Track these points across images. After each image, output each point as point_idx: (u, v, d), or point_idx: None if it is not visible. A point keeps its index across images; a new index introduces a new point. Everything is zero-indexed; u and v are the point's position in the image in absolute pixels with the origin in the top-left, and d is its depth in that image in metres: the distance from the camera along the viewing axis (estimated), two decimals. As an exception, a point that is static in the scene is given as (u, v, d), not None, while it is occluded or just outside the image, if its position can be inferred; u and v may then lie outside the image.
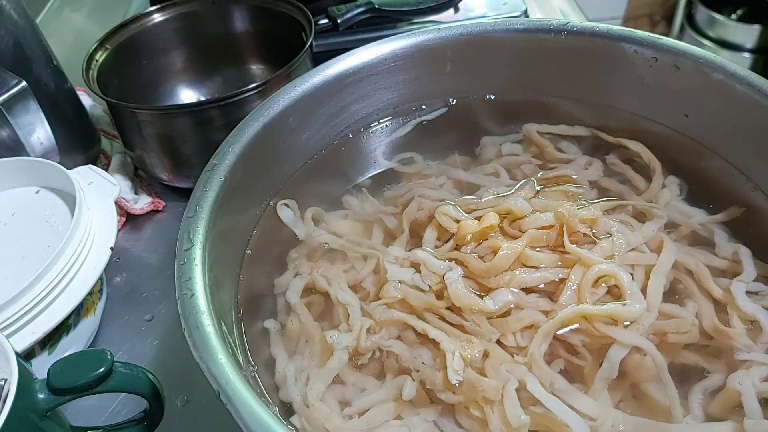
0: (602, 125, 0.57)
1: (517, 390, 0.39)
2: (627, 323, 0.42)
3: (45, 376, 0.39)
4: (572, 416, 0.38)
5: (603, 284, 0.44)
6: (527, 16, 0.84)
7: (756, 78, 0.47)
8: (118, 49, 0.70)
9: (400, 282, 0.46)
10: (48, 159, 0.57)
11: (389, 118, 0.60)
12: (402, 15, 0.81)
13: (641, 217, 0.50)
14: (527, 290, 0.45)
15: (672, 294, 0.45)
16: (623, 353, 0.41)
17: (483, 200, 0.51)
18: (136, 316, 0.60)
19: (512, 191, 0.52)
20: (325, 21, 0.77)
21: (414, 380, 0.42)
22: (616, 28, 0.54)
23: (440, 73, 0.59)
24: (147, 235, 0.68)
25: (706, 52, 0.50)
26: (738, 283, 0.44)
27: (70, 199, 0.56)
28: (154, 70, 0.76)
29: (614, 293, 0.44)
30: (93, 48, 0.68)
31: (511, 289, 0.44)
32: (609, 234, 0.47)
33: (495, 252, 0.45)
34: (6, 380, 0.38)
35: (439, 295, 0.45)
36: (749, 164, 0.50)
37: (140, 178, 0.74)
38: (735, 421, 0.38)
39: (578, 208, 0.47)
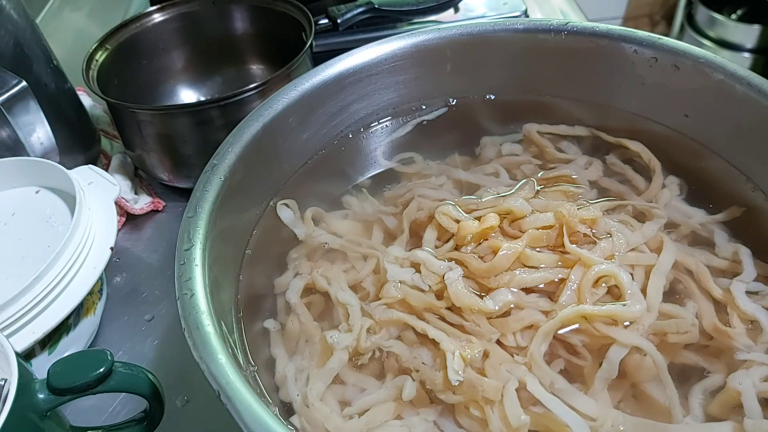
0: (602, 125, 0.57)
1: (517, 390, 0.39)
2: (627, 323, 0.42)
3: (45, 376, 0.39)
4: (572, 416, 0.38)
5: (603, 284, 0.44)
6: (527, 16, 0.84)
7: (756, 78, 0.48)
8: (118, 49, 0.70)
9: (400, 282, 0.46)
10: (48, 159, 0.57)
11: (389, 118, 0.60)
12: (402, 15, 0.81)
13: (641, 217, 0.50)
14: (527, 290, 0.45)
15: (672, 294, 0.45)
16: (623, 353, 0.41)
17: (483, 200, 0.51)
18: (136, 316, 0.60)
19: (512, 191, 0.52)
20: (325, 21, 0.77)
21: (414, 380, 0.42)
22: (616, 28, 0.54)
23: (440, 73, 0.59)
24: (147, 235, 0.68)
25: (706, 52, 0.50)
26: (738, 283, 0.44)
27: (70, 199, 0.56)
28: (154, 70, 0.76)
29: (614, 293, 0.44)
30: (93, 48, 0.68)
31: (511, 289, 0.44)
32: (609, 234, 0.47)
33: (495, 252, 0.45)
34: (6, 380, 0.38)
35: (439, 295, 0.45)
36: (749, 164, 0.50)
37: (140, 178, 0.74)
38: (735, 421, 0.38)
39: (578, 208, 0.47)
